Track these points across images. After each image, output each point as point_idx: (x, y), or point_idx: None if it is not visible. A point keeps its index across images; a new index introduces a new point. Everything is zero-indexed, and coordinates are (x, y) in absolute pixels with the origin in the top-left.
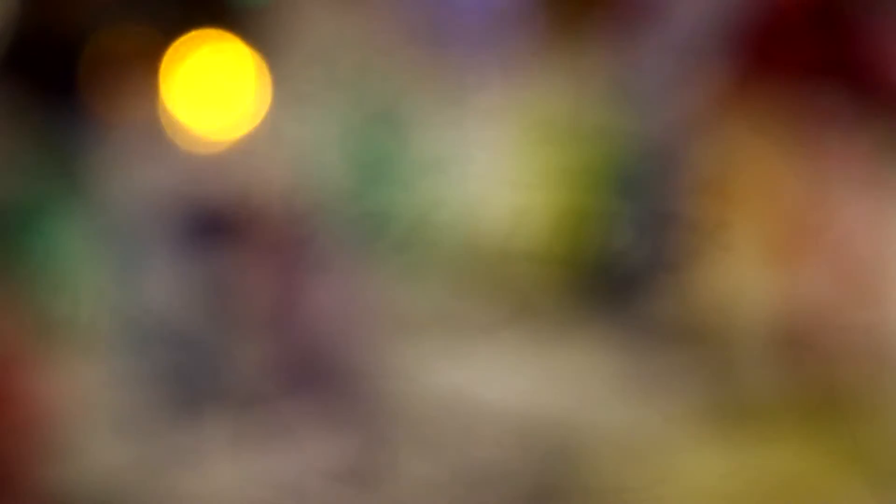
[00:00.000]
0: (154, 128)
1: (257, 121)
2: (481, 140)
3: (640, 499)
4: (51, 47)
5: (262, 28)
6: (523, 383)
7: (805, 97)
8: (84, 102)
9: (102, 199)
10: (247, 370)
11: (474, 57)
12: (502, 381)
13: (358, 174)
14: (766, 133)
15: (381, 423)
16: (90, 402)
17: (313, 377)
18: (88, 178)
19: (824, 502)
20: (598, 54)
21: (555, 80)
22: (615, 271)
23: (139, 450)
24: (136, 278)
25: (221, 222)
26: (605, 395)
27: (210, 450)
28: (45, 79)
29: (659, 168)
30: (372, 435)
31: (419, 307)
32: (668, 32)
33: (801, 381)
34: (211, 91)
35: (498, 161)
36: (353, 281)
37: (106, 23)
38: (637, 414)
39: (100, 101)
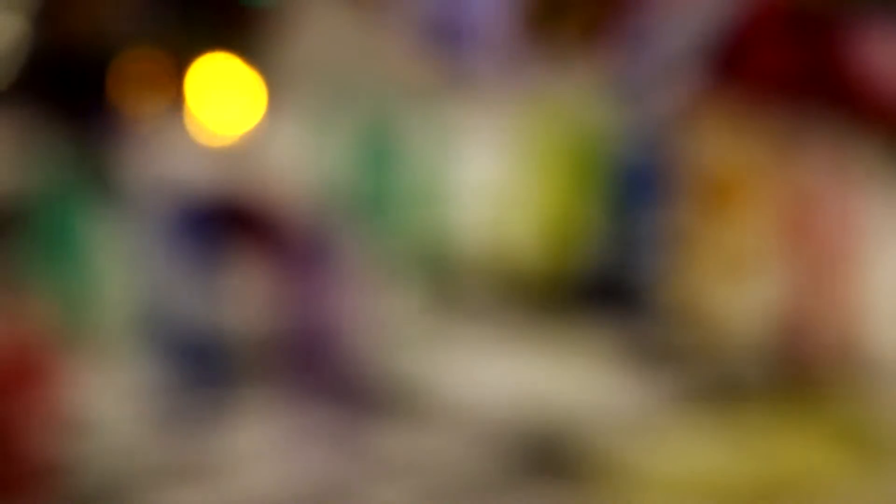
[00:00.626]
0: (173, 128)
1: (260, 134)
2: (478, 153)
3: (632, 487)
4: (73, 52)
5: (267, 43)
6: (516, 389)
7: (786, 105)
8: (108, 103)
9: (127, 198)
10: (253, 365)
11: (472, 70)
12: (498, 386)
13: (356, 186)
14: (749, 142)
15: (381, 424)
16: (111, 392)
17: (321, 380)
18: (114, 177)
19: (819, 488)
20: (589, 67)
21: (550, 92)
22: (605, 282)
23: (152, 445)
24: (154, 272)
25: (230, 220)
26: (597, 400)
27: (228, 447)
28: (71, 83)
29: (649, 179)
30: (372, 436)
31: (414, 315)
32: (655, 42)
33: (790, 378)
34: (217, 104)
35: (494, 173)
36: (355, 286)
37: (124, 34)
38: (628, 422)
39: (122, 102)
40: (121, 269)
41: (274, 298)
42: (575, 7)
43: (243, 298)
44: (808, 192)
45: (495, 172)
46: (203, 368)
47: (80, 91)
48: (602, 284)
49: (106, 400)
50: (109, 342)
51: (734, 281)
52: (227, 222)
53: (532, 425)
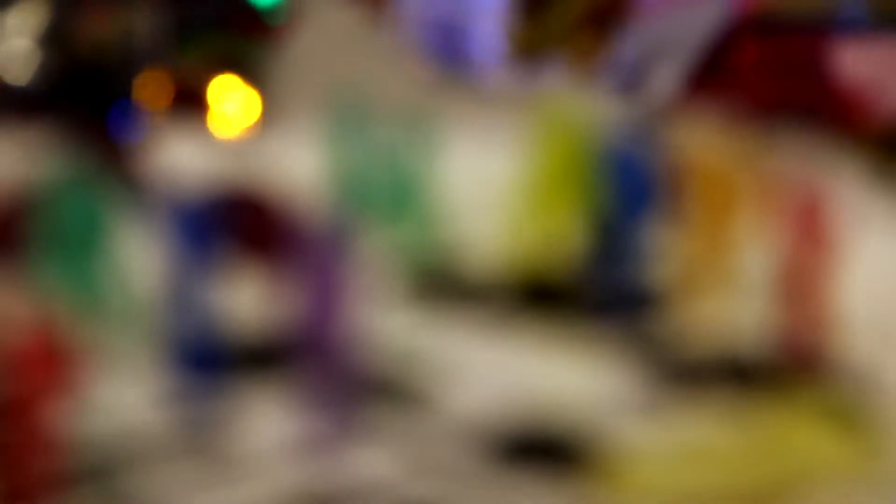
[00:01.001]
0: (184, 130)
1: (268, 136)
2: (478, 154)
3: (627, 482)
4: (88, 62)
5: (275, 46)
6: (515, 386)
7: (767, 111)
8: (124, 108)
9: (141, 201)
10: (260, 363)
11: (473, 72)
12: (495, 383)
13: (359, 187)
14: (734, 148)
15: (384, 422)
16: (124, 383)
17: (328, 378)
18: (130, 179)
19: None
20: (584, 69)
21: (548, 95)
22: (600, 284)
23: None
24: (168, 269)
25: (239, 220)
26: (595, 398)
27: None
28: (85, 90)
29: (644, 184)
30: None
31: (415, 314)
32: (646, 44)
33: (783, 375)
34: (227, 107)
35: (494, 174)
36: (361, 287)
37: (138, 42)
38: (624, 419)
39: (138, 107)
40: (136, 266)
41: (282, 298)
42: (565, 10)
43: (252, 297)
44: (793, 195)
45: (495, 174)
46: (213, 365)
47: (96, 96)
48: (597, 287)
49: (119, 389)
50: (124, 333)
51: (725, 285)
52: (237, 222)
53: (531, 422)
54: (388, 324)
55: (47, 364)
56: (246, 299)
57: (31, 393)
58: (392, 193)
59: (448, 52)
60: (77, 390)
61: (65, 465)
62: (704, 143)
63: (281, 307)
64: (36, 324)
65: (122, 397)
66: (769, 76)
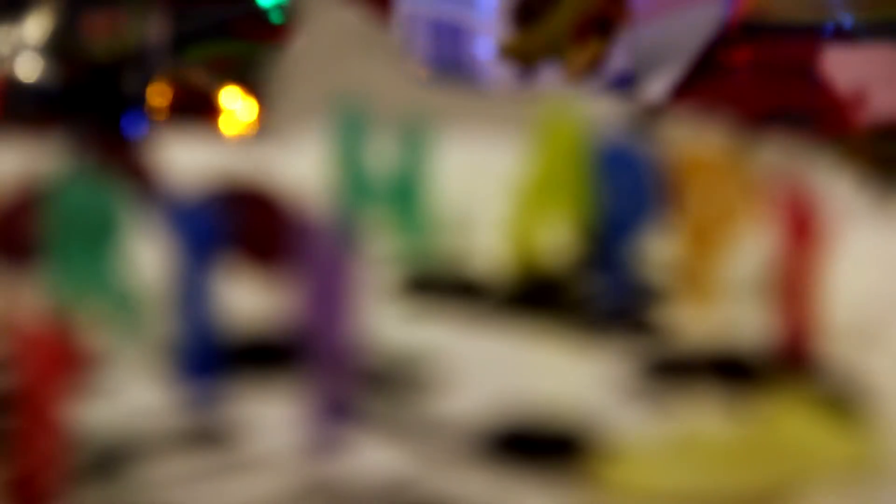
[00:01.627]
0: (190, 131)
1: (273, 138)
2: (480, 153)
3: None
4: (96, 66)
5: (280, 48)
6: (513, 387)
7: (754, 115)
8: (131, 110)
9: (148, 200)
10: (265, 363)
11: (477, 71)
12: (492, 383)
13: (364, 188)
14: (726, 156)
15: (385, 421)
16: (134, 377)
17: (332, 378)
18: (138, 182)
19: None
20: (582, 68)
21: (551, 95)
22: (597, 294)
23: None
24: (174, 268)
25: (244, 220)
26: (593, 401)
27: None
28: (93, 95)
29: (642, 189)
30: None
31: (417, 313)
32: (641, 44)
33: (779, 375)
34: (232, 108)
35: (495, 174)
36: (363, 286)
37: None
38: (619, 419)
39: (145, 109)
40: (144, 265)
41: (286, 297)
42: (563, 11)
43: (256, 296)
44: (783, 197)
45: (494, 174)
46: (217, 363)
47: (105, 101)
48: (594, 286)
49: (127, 384)
50: (132, 330)
51: (719, 284)
52: (240, 222)
53: (529, 420)
54: (388, 323)
55: (57, 358)
56: (250, 298)
57: (41, 387)
58: (391, 193)
59: (448, 52)
60: (86, 385)
61: (73, 458)
62: (698, 146)
63: (285, 306)
64: (45, 319)
65: (129, 391)
66: (761, 79)
